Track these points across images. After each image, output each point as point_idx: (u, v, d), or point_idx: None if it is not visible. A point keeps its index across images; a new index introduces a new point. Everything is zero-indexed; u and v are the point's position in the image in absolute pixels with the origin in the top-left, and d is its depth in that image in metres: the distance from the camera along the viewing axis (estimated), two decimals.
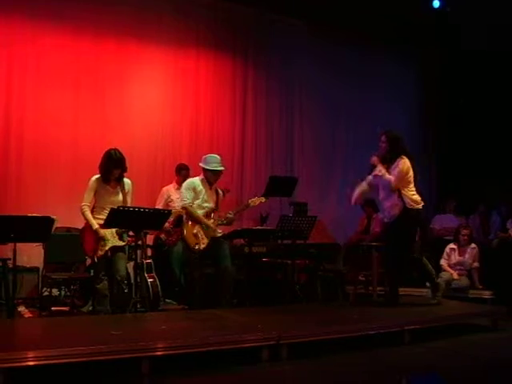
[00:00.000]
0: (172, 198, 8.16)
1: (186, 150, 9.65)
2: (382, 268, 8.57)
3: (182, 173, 8.32)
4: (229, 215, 6.90)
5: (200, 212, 6.77)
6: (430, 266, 6.92)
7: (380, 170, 6.58)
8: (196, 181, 6.91)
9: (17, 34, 8.52)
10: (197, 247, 6.66)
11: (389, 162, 6.60)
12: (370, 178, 6.77)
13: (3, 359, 3.90)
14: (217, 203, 6.93)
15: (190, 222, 6.77)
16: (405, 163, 6.51)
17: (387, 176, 6.50)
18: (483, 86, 10.78)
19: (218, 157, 6.95)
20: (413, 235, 6.76)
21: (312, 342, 5.14)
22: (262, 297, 7.75)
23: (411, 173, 6.55)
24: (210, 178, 6.88)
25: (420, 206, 6.58)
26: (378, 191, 6.79)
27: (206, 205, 6.82)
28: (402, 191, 6.47)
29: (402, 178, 6.46)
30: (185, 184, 7.00)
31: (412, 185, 6.56)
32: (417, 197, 6.56)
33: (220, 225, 6.97)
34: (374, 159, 6.69)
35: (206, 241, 6.70)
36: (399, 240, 6.54)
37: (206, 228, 6.73)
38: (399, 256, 6.60)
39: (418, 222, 6.83)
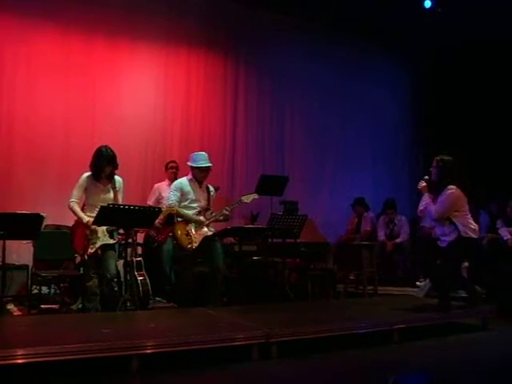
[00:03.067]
0: (163, 195, 8.16)
1: (176, 148, 9.64)
2: (371, 267, 8.65)
3: (170, 166, 8.41)
4: (225, 211, 6.90)
5: (189, 212, 6.79)
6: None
7: (424, 199, 6.40)
8: (184, 181, 6.94)
9: (7, 32, 8.50)
10: (189, 246, 6.68)
11: (438, 189, 6.36)
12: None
13: None
14: (208, 201, 6.95)
15: (181, 222, 6.78)
16: (452, 194, 6.22)
17: (429, 207, 6.32)
18: (475, 83, 10.82)
19: (205, 154, 6.98)
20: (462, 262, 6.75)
21: (302, 341, 5.14)
22: (252, 295, 7.74)
23: (461, 202, 6.28)
24: (198, 175, 6.90)
25: (475, 235, 6.32)
26: None
27: (194, 205, 6.85)
28: (454, 218, 6.23)
29: (446, 209, 6.22)
30: (172, 185, 7.08)
31: (465, 212, 6.30)
32: (473, 223, 6.33)
33: (216, 221, 6.97)
34: (423, 186, 6.45)
35: (198, 239, 6.71)
36: (449, 266, 6.39)
37: (197, 225, 6.74)
38: (447, 277, 6.47)
39: (471, 252, 6.60)
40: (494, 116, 10.65)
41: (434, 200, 6.38)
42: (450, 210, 6.25)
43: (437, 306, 6.46)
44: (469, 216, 6.35)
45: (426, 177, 6.56)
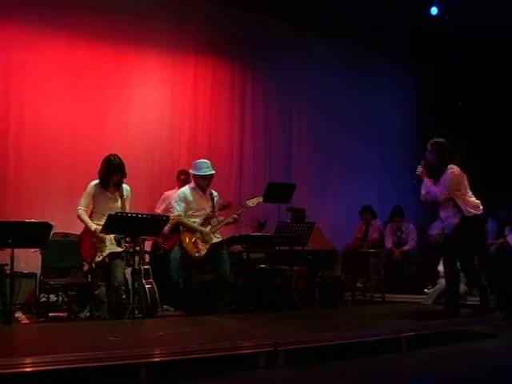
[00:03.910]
0: (172, 204, 8.13)
1: (184, 155, 9.65)
2: (378, 274, 8.64)
3: (181, 178, 8.33)
4: (234, 215, 6.90)
5: (194, 221, 6.79)
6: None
7: (425, 183, 6.41)
8: (186, 191, 6.92)
9: (15, 39, 8.54)
10: (197, 255, 6.68)
11: (438, 172, 6.33)
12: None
13: (0, 365, 3.89)
14: (213, 207, 6.93)
15: (187, 231, 6.78)
16: (452, 173, 6.20)
17: (433, 189, 6.29)
18: (481, 88, 10.80)
19: (208, 161, 6.96)
20: (475, 243, 6.52)
21: (309, 349, 5.13)
22: (259, 303, 7.74)
23: (462, 180, 6.25)
24: (202, 183, 6.89)
25: (478, 211, 6.27)
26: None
27: (198, 213, 6.85)
28: (457, 199, 6.22)
29: (450, 188, 6.19)
30: (176, 195, 7.06)
31: (467, 190, 6.28)
32: (474, 200, 6.29)
33: (227, 225, 6.97)
34: (421, 171, 6.46)
35: (205, 247, 6.71)
36: (463, 251, 6.34)
37: (201, 235, 6.73)
38: (468, 266, 6.45)
39: (479, 229, 6.52)
40: (502, 121, 10.62)
41: (436, 183, 6.35)
42: (453, 189, 6.22)
43: (444, 312, 6.44)
44: (470, 194, 6.32)
45: (423, 162, 6.55)
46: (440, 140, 6.47)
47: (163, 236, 7.70)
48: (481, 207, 6.34)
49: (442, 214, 6.47)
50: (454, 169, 6.25)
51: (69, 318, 7.10)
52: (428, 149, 6.48)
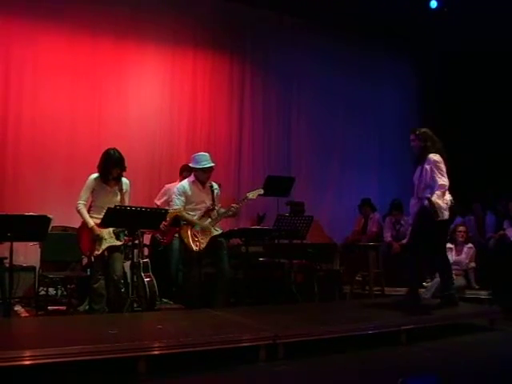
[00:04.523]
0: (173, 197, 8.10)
1: (183, 148, 9.65)
2: (377, 267, 8.64)
3: (184, 174, 8.29)
4: (232, 208, 6.88)
5: (194, 214, 6.78)
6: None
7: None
8: (186, 185, 6.89)
9: (15, 33, 8.55)
10: (196, 248, 6.66)
11: (420, 159, 6.46)
12: None
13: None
14: (213, 200, 6.90)
15: (188, 224, 6.77)
16: (437, 159, 6.30)
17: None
18: (481, 82, 10.79)
19: (207, 154, 6.92)
20: (430, 233, 6.50)
21: (309, 342, 5.13)
22: (258, 296, 7.74)
23: (443, 166, 6.32)
24: (201, 176, 6.85)
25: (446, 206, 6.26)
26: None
27: (199, 206, 6.82)
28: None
29: (443, 174, 6.22)
30: (175, 189, 7.00)
31: None
32: (447, 196, 6.28)
33: (226, 217, 6.96)
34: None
35: (205, 241, 6.70)
36: (417, 238, 6.48)
37: (200, 228, 6.72)
38: (418, 255, 6.55)
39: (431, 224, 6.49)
40: (503, 114, 10.61)
41: (420, 166, 6.45)
42: (444, 172, 6.26)
43: (441, 305, 6.45)
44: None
45: None
46: (423, 129, 6.64)
47: (161, 231, 7.68)
48: (449, 202, 6.32)
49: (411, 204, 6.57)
50: (435, 156, 6.36)
51: (68, 312, 7.09)
52: (412, 138, 6.62)
